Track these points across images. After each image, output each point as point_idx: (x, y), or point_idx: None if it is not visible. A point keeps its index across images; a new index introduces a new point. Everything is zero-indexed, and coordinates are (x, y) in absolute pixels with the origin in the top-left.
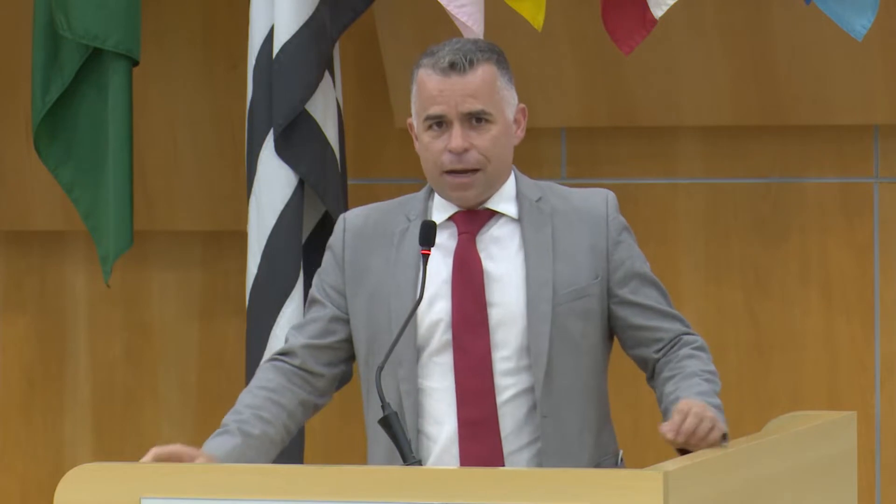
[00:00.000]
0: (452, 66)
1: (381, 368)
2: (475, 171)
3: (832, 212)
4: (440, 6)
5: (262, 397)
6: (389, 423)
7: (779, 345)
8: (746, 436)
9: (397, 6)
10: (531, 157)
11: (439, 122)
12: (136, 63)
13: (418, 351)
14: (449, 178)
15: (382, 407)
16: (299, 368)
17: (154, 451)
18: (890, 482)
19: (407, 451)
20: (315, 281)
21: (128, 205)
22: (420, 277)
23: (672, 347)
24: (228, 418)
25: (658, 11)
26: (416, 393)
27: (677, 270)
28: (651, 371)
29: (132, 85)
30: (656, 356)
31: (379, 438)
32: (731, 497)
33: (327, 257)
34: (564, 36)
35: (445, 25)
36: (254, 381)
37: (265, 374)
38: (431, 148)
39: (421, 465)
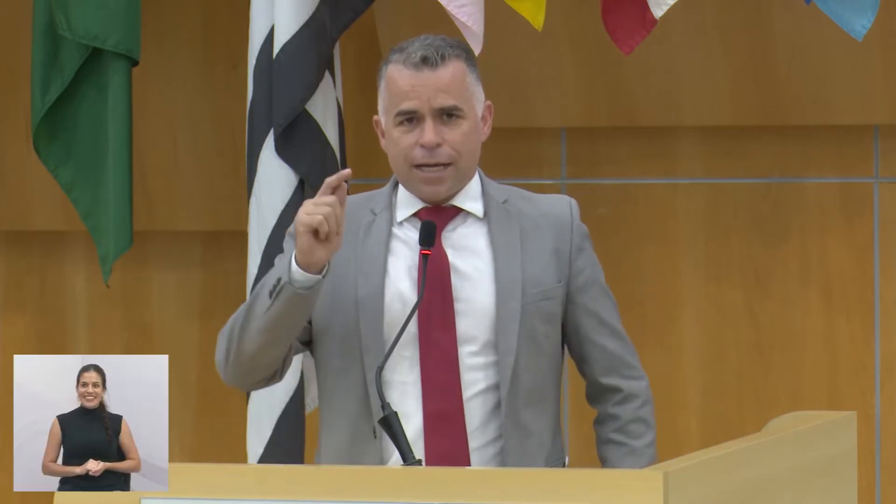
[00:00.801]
0: (424, 61)
1: (381, 368)
2: (447, 165)
3: (832, 212)
4: (440, 6)
5: None
6: (389, 423)
7: (779, 345)
8: (746, 436)
9: (397, 6)
10: (531, 157)
11: (410, 118)
12: (135, 63)
13: (385, 343)
14: (419, 173)
15: (382, 407)
16: None
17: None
18: (890, 482)
19: (407, 451)
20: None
21: (127, 205)
22: (386, 270)
23: (617, 395)
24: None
25: (658, 11)
26: (384, 386)
27: (677, 270)
28: (591, 396)
29: (132, 85)
30: (594, 384)
31: (335, 426)
32: (731, 497)
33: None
34: (564, 36)
35: (445, 25)
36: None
37: None
38: (401, 142)
39: (421, 465)
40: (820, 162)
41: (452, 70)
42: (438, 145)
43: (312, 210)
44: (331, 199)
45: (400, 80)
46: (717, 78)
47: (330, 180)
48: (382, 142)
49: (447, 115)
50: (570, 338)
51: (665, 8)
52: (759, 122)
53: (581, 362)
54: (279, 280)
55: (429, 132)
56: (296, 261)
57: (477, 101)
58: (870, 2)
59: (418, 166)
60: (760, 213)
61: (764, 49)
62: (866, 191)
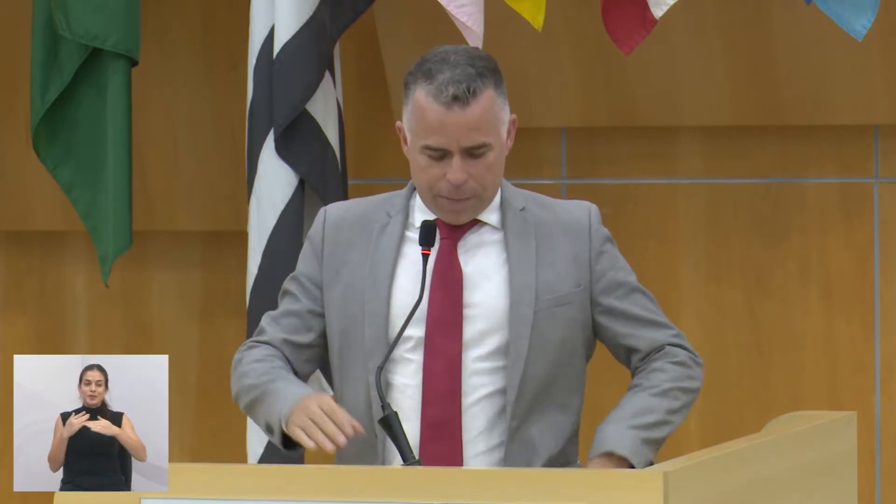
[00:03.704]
0: (455, 100)
1: (381, 368)
2: (471, 197)
3: (832, 212)
4: (440, 6)
5: (281, 365)
6: (389, 423)
7: (779, 345)
8: (746, 436)
9: (397, 6)
10: (531, 157)
11: (438, 154)
12: (135, 63)
13: (390, 346)
14: (443, 202)
15: (382, 407)
16: (287, 362)
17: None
18: (890, 482)
19: (407, 451)
20: (293, 272)
21: (127, 205)
22: (394, 273)
23: (650, 356)
24: (269, 374)
25: (658, 11)
26: (386, 388)
27: (677, 270)
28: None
29: (132, 85)
30: (636, 366)
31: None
32: (731, 497)
33: (306, 249)
34: (564, 36)
35: (445, 25)
36: (258, 353)
37: (266, 351)
38: (428, 172)
39: (421, 465)
40: (820, 162)
41: (482, 105)
42: (465, 181)
43: (305, 426)
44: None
45: (429, 114)
46: (717, 78)
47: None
48: (405, 147)
49: (475, 150)
50: (605, 340)
51: (665, 8)
52: (759, 122)
53: (622, 358)
54: (271, 430)
55: (456, 170)
56: (284, 423)
57: (503, 124)
58: (870, 2)
59: (443, 197)
60: (760, 213)
61: (764, 49)
62: (866, 191)
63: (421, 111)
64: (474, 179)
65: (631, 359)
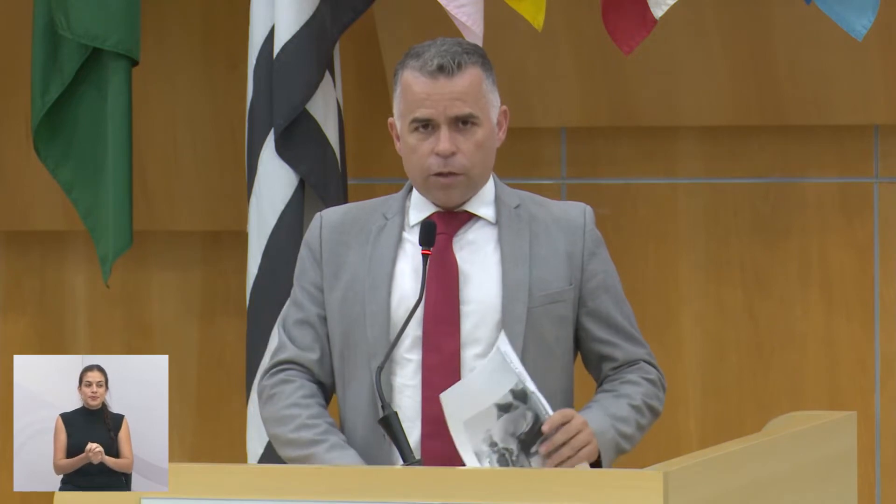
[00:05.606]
0: (441, 69)
1: (380, 368)
2: (459, 174)
3: (832, 212)
4: (440, 6)
5: (322, 412)
6: (389, 423)
7: (779, 345)
8: (746, 436)
9: (397, 6)
10: (531, 157)
11: (426, 125)
12: (135, 63)
13: (389, 346)
14: (434, 181)
15: (382, 407)
16: (318, 383)
17: None
18: (890, 482)
19: (407, 451)
20: (295, 280)
21: (127, 205)
22: (393, 273)
23: (624, 367)
24: (324, 432)
25: (658, 11)
26: (389, 389)
27: (677, 270)
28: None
29: (132, 85)
30: (607, 374)
31: (350, 430)
32: (731, 497)
33: (304, 255)
34: (564, 36)
35: (445, 25)
36: (300, 391)
37: (308, 389)
38: (418, 150)
39: (421, 465)
40: (820, 162)
41: (469, 77)
42: (453, 154)
43: None
44: None
45: (416, 87)
46: (717, 78)
47: None
48: (397, 144)
49: (462, 122)
50: (581, 341)
51: (665, 8)
52: (759, 122)
53: (593, 365)
54: None
55: (444, 141)
56: None
57: (492, 107)
58: (870, 2)
59: (434, 174)
60: (760, 213)
61: (764, 49)
62: (866, 191)
63: (408, 87)
64: (463, 155)
65: (602, 366)
